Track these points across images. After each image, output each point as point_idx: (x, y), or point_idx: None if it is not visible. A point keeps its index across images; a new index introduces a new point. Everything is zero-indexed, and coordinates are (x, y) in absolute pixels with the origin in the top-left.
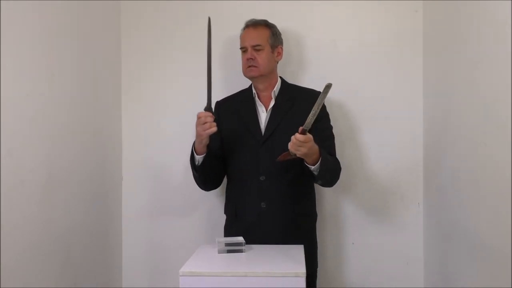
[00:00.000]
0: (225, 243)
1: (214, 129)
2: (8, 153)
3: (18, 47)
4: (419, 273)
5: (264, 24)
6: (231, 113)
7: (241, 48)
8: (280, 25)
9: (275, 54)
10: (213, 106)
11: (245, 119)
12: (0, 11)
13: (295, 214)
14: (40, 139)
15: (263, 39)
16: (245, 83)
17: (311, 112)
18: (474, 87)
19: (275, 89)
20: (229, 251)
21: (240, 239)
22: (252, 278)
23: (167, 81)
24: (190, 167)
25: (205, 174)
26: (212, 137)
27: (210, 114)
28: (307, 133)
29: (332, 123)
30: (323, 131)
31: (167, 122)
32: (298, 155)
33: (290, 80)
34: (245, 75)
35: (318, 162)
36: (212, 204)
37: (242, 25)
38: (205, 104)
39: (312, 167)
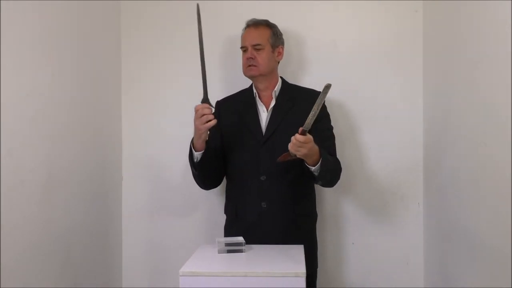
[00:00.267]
0: (225, 243)
1: (213, 122)
2: (8, 153)
3: (18, 47)
4: (419, 273)
5: (265, 24)
6: (232, 112)
7: (241, 48)
8: (280, 25)
9: (276, 54)
10: (213, 103)
11: (246, 119)
12: (0, 11)
13: (296, 214)
14: (40, 139)
15: (264, 38)
16: (246, 83)
17: (311, 113)
18: (474, 87)
19: (275, 89)
20: (229, 251)
21: (240, 239)
22: (252, 278)
23: (167, 81)
24: (190, 166)
25: (204, 172)
26: (212, 136)
27: (207, 105)
28: (307, 133)
29: (332, 123)
30: (323, 132)
31: (167, 122)
32: (298, 156)
33: (290, 80)
34: (245, 74)
35: (319, 163)
36: (212, 204)
37: (242, 25)
38: (209, 109)
39: (313, 168)
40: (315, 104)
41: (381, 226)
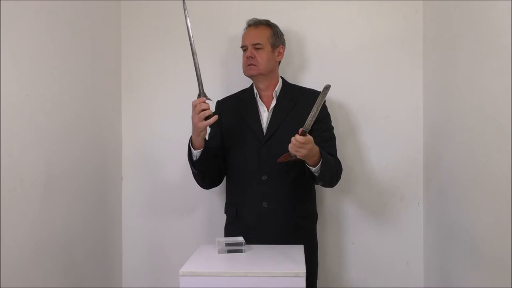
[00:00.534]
0: (225, 243)
1: (213, 119)
2: (8, 153)
3: (18, 47)
4: (419, 273)
5: (266, 24)
6: (232, 112)
7: (242, 47)
8: (280, 25)
9: (276, 54)
10: (213, 104)
11: (247, 119)
12: (0, 11)
13: (296, 214)
14: (40, 139)
15: (264, 38)
16: (246, 83)
17: (311, 113)
18: (474, 87)
19: (276, 89)
20: (229, 251)
21: (240, 239)
22: (252, 278)
23: (167, 81)
24: (189, 165)
25: (204, 171)
26: (212, 134)
27: (204, 99)
28: (307, 134)
29: (332, 123)
30: (324, 132)
31: (167, 122)
32: (298, 157)
33: (290, 80)
34: (245, 73)
35: (319, 164)
36: (212, 204)
37: (243, 25)
38: (207, 103)
39: (313, 169)
40: (315, 104)
41: (381, 226)
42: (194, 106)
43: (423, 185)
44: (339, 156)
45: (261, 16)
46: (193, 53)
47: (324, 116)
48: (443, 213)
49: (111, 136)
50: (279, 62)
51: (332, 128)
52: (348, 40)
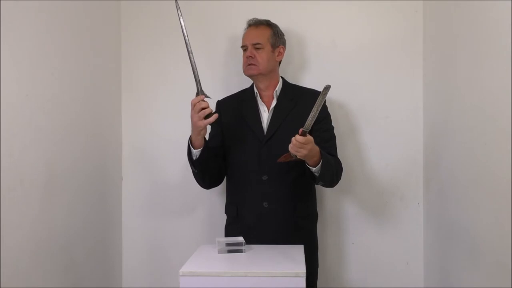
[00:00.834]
0: (225, 243)
1: (213, 118)
2: (8, 153)
3: (18, 47)
4: (419, 273)
5: (266, 24)
6: (233, 112)
7: (242, 47)
8: (280, 25)
9: (276, 53)
10: (213, 104)
11: (247, 118)
12: (0, 11)
13: (297, 214)
14: (40, 139)
15: (264, 38)
16: (246, 84)
17: (311, 114)
18: (474, 87)
19: (276, 89)
20: (229, 251)
21: (240, 239)
22: (252, 278)
23: (167, 81)
24: (189, 164)
25: (204, 170)
26: (213, 133)
27: (203, 97)
28: (308, 134)
29: (332, 123)
30: (324, 132)
31: (167, 122)
32: (298, 157)
33: (290, 80)
34: (245, 73)
35: (319, 164)
36: (212, 204)
37: (242, 25)
38: (206, 101)
39: (313, 169)
40: (315, 105)
41: (381, 226)
42: (194, 105)
43: (423, 185)
44: (339, 156)
45: (261, 16)
46: (189, 52)
47: (325, 116)
48: (443, 213)
49: (111, 136)
50: (280, 62)
51: (333, 128)
52: (348, 40)
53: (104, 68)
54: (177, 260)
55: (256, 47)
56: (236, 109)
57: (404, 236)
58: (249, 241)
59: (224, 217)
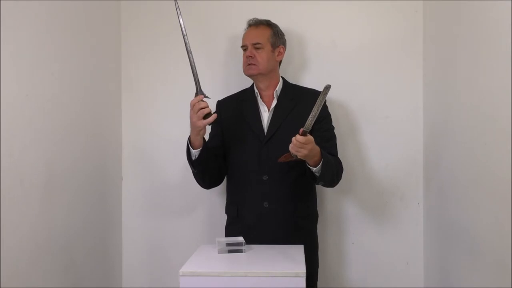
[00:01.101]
0: (226, 243)
1: (212, 118)
2: (8, 153)
3: (18, 47)
4: (419, 273)
5: (266, 24)
6: (233, 112)
7: (242, 47)
8: (280, 25)
9: (276, 53)
10: (211, 100)
11: (247, 118)
12: (0, 11)
13: (297, 214)
14: (40, 139)
15: (264, 38)
16: (246, 84)
17: (311, 114)
18: (474, 87)
19: (277, 88)
20: (229, 251)
21: (240, 239)
22: (252, 278)
23: (167, 81)
24: (188, 164)
25: (204, 170)
26: (213, 134)
27: (202, 97)
28: (308, 134)
29: (333, 123)
30: (325, 132)
31: (167, 122)
32: (299, 157)
33: (290, 80)
34: (245, 73)
35: (320, 164)
36: (212, 204)
37: (242, 25)
38: (205, 101)
39: (314, 169)
40: (315, 105)
41: (381, 226)
42: (193, 105)
43: (423, 185)
44: (339, 156)
45: (261, 16)
46: (188, 52)
47: (325, 116)
48: (443, 213)
49: (111, 136)
50: (280, 62)
51: (333, 128)
52: (348, 40)
53: (104, 68)
54: (177, 260)
55: (256, 46)
56: (236, 109)
57: (404, 236)
58: (249, 241)
59: (224, 217)
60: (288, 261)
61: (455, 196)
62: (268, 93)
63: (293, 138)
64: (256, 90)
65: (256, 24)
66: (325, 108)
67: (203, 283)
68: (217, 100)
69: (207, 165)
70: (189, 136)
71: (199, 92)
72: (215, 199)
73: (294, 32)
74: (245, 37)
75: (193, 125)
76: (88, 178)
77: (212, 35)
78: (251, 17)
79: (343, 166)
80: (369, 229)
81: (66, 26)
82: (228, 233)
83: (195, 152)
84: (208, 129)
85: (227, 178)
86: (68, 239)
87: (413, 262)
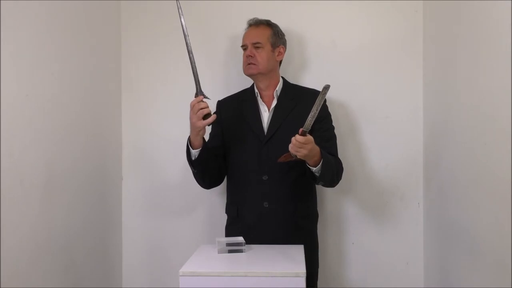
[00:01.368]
0: (226, 243)
1: (211, 119)
2: (8, 153)
3: (18, 47)
4: (419, 273)
5: (266, 23)
6: (233, 112)
7: (242, 46)
8: (280, 25)
9: (276, 53)
10: (211, 100)
11: (248, 118)
12: (0, 11)
13: (297, 214)
14: (40, 139)
15: (264, 37)
16: (246, 84)
17: (310, 114)
18: (474, 87)
19: (277, 88)
20: (229, 251)
21: (240, 239)
22: (252, 278)
23: (167, 81)
24: (188, 164)
25: (204, 170)
26: (213, 134)
27: (202, 98)
28: (308, 134)
29: (333, 123)
30: (325, 132)
31: (167, 122)
32: (298, 157)
33: (290, 80)
34: (245, 73)
35: (320, 164)
36: (212, 204)
37: (242, 25)
38: (205, 101)
39: (314, 169)
40: (314, 104)
41: (381, 226)
42: (192, 106)
43: (423, 185)
44: (339, 156)
45: (261, 16)
46: (189, 52)
47: (325, 116)
48: (443, 213)
49: (111, 136)
50: (280, 62)
51: (333, 128)
52: (348, 40)
53: (104, 68)
54: (177, 260)
55: (256, 46)
56: (237, 109)
57: (404, 236)
58: (249, 241)
59: (224, 217)
60: (288, 261)
61: (455, 196)
62: (268, 93)
63: (293, 138)
64: (256, 90)
65: (256, 24)
66: (325, 108)
67: (203, 283)
68: (217, 100)
69: (207, 165)
70: (189, 136)
71: (199, 92)
72: (215, 199)
73: (294, 32)
74: (245, 36)
75: (192, 126)
76: (88, 178)
77: (212, 35)
78: (251, 17)
79: (343, 166)
80: (369, 229)
81: (66, 26)
82: (228, 233)
83: (194, 152)
84: (208, 129)
85: (227, 178)
86: (68, 239)
87: (413, 262)
